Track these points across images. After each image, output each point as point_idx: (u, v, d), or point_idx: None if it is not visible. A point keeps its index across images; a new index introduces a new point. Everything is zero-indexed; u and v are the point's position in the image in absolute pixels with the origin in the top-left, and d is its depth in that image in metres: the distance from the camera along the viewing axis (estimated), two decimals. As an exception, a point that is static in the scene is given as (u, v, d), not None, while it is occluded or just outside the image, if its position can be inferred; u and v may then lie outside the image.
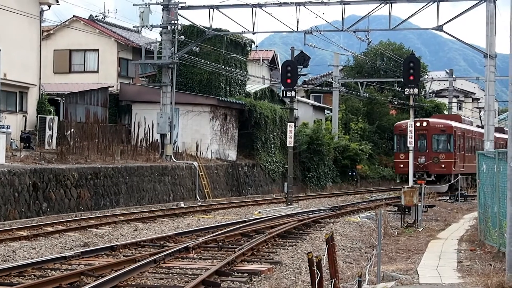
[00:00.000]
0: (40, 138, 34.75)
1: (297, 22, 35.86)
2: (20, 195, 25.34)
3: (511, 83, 13.75)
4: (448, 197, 40.53)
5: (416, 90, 29.90)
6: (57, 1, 37.88)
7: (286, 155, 39.79)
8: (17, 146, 33.00)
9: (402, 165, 43.10)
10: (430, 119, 45.96)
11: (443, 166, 43.13)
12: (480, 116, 67.46)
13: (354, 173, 55.96)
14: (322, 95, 67.36)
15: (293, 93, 35.79)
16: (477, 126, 58.62)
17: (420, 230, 24.59)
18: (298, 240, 20.80)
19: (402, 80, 36.49)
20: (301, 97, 60.88)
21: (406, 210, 26.43)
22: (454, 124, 45.25)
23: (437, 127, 44.19)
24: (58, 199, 27.27)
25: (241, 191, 42.84)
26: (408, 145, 31.29)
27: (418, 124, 41.33)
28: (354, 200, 40.69)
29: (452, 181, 43.75)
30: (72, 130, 36.03)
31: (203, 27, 39.95)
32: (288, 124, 36.34)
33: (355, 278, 12.93)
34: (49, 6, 37.78)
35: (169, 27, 38.73)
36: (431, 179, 42.71)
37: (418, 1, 35.28)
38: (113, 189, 31.03)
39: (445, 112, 64.93)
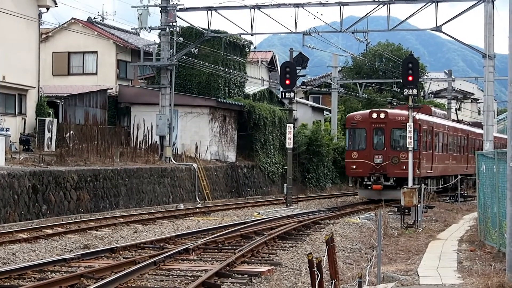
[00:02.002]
0: (39, 141, 34.73)
1: (296, 23, 35.87)
2: (20, 198, 25.32)
3: (510, 83, 13.74)
4: (447, 198, 40.44)
5: (415, 91, 30.00)
6: (56, 4, 37.87)
7: (286, 156, 39.78)
8: (16, 149, 32.98)
9: (354, 166, 36.36)
10: (388, 110, 38.65)
11: (404, 167, 34.11)
12: (456, 109, 63.51)
13: None
14: (321, 96, 67.34)
15: (292, 94, 35.80)
16: (454, 120, 52.55)
17: (420, 230, 24.59)
18: (298, 241, 20.80)
19: (401, 81, 36.47)
20: (300, 98, 60.89)
21: (406, 210, 26.43)
22: (419, 116, 36.60)
23: (397, 120, 36.24)
24: (58, 201, 27.25)
25: (241, 193, 42.82)
26: (408, 146, 30.93)
27: (374, 115, 36.38)
28: (354, 200, 40.67)
29: (418, 186, 37.40)
30: (71, 132, 36.00)
31: (202, 28, 39.95)
32: (287, 125, 36.34)
33: (355, 279, 12.93)
34: (48, 9, 37.77)
35: (167, 29, 38.73)
36: (389, 183, 35.52)
37: (416, 2, 35.29)
38: (112, 191, 31.02)
39: (445, 113, 64.08)
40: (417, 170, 35.47)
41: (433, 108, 44.22)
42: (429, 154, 38.66)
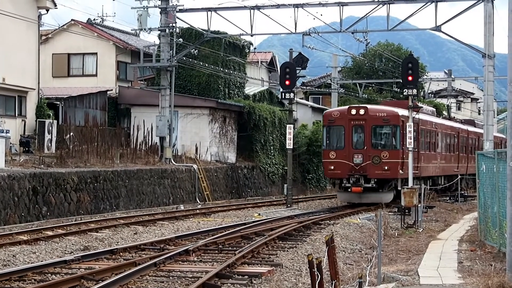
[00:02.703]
0: (40, 142, 34.74)
1: (295, 23, 35.86)
2: (20, 200, 25.32)
3: (510, 83, 13.74)
4: (448, 198, 40.41)
5: (415, 91, 29.95)
6: (55, 5, 37.89)
7: (286, 157, 39.77)
8: (16, 151, 32.98)
9: (333, 167, 33.65)
10: (369, 106, 35.65)
11: (386, 168, 32.70)
12: (448, 106, 61.18)
13: None
14: (321, 96, 67.34)
15: (292, 94, 35.78)
16: (444, 117, 50.14)
17: (420, 231, 24.58)
18: (298, 242, 20.80)
19: (401, 80, 36.37)
20: (300, 98, 60.88)
21: (406, 211, 26.42)
22: (402, 112, 34.11)
23: (378, 116, 33.72)
24: (58, 203, 27.25)
25: (241, 194, 42.83)
26: (408, 146, 30.63)
27: (353, 112, 33.70)
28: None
29: (399, 188, 32.94)
30: (71, 134, 36.00)
31: (201, 29, 39.95)
32: (287, 126, 36.33)
33: (356, 279, 12.92)
34: (47, 10, 37.79)
35: (167, 30, 38.73)
36: (370, 185, 32.97)
37: (416, 2, 35.28)
38: (112, 193, 31.02)
39: (445, 113, 63.51)
40: (400, 171, 33.07)
41: (419, 104, 40.47)
42: (414, 154, 34.89)
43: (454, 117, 58.02)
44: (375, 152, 33.21)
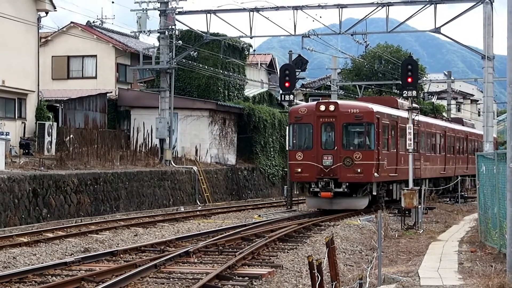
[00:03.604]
0: (39, 145, 34.76)
1: (295, 26, 35.86)
2: (20, 202, 25.33)
3: (509, 84, 13.76)
4: (448, 199, 40.39)
5: (414, 92, 29.63)
6: (55, 8, 37.91)
7: (286, 158, 39.76)
8: (16, 153, 32.99)
9: (300, 169, 30.45)
10: (339, 101, 32.61)
11: (359, 170, 29.58)
12: (433, 103, 57.86)
13: None
14: (320, 98, 67.33)
15: (291, 96, 35.72)
16: (429, 115, 45.92)
17: (420, 232, 24.59)
18: (298, 243, 20.80)
19: (400, 82, 36.17)
20: (299, 100, 60.87)
21: (406, 212, 26.43)
22: (377, 108, 31.39)
23: (350, 113, 30.36)
24: (58, 205, 27.26)
25: (241, 195, 42.83)
26: (408, 148, 29.88)
27: (322, 108, 30.39)
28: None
29: (374, 193, 30.59)
30: (71, 136, 36.02)
31: (201, 32, 39.97)
32: (287, 127, 36.29)
33: (356, 280, 12.93)
34: (47, 13, 37.81)
35: (166, 32, 38.75)
36: (341, 189, 29.70)
37: (415, 4, 35.30)
38: (113, 195, 31.03)
39: (444, 114, 63.00)
40: (375, 174, 30.12)
41: (400, 100, 37.15)
42: (392, 154, 32.62)
43: (440, 115, 54.32)
44: (346, 153, 29.96)
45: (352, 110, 30.46)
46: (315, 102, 32.05)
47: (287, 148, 32.61)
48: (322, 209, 31.02)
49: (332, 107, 30.40)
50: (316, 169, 29.97)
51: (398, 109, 35.28)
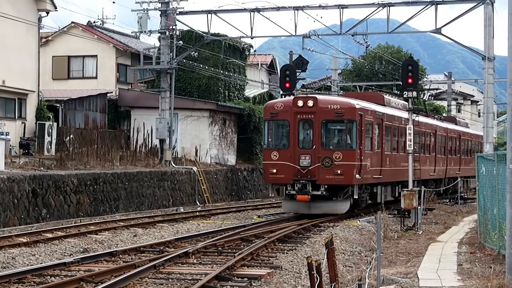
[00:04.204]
0: (39, 145, 34.76)
1: (295, 26, 35.88)
2: (20, 202, 25.33)
3: (509, 85, 13.75)
4: (448, 200, 40.37)
5: (415, 93, 29.22)
6: (55, 8, 37.93)
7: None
8: (16, 153, 33.00)
9: (275, 170, 27.97)
10: (319, 97, 29.38)
11: (339, 172, 27.17)
12: (424, 101, 52.23)
13: None
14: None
15: (292, 97, 35.73)
16: (424, 114, 41.29)
17: (420, 233, 24.58)
18: (298, 244, 20.79)
19: (401, 83, 35.82)
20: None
21: (406, 213, 26.41)
22: (360, 104, 29.05)
23: (330, 109, 27.92)
24: (58, 205, 27.25)
25: (241, 196, 42.83)
26: (408, 149, 29.05)
27: (299, 103, 28.03)
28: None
29: (355, 196, 28.26)
30: (71, 136, 36.03)
31: (202, 32, 39.97)
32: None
33: (355, 281, 12.91)
34: (47, 13, 37.82)
35: (167, 33, 38.76)
36: (319, 192, 27.37)
37: (416, 4, 35.29)
38: (112, 195, 31.02)
39: (444, 115, 62.31)
40: (357, 176, 27.75)
41: (386, 96, 34.92)
42: (376, 155, 30.39)
43: (433, 114, 50.12)
44: (325, 153, 27.56)
45: (332, 106, 27.99)
46: (292, 97, 29.49)
47: (263, 147, 30.31)
48: (299, 214, 28.67)
49: (310, 103, 27.89)
50: (293, 170, 27.65)
51: (385, 105, 33.22)
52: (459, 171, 45.37)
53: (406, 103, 36.60)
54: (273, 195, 29.95)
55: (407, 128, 29.15)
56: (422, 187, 34.08)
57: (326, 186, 27.41)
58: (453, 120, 49.58)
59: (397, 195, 32.83)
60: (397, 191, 33.08)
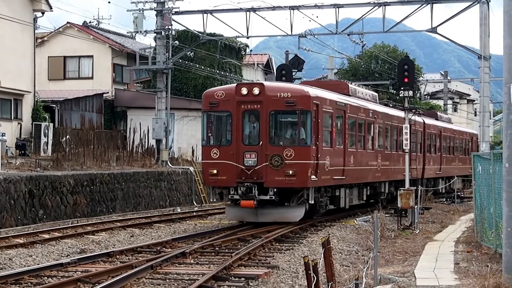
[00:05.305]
0: (36, 145, 34.74)
1: (291, 26, 35.92)
2: (16, 203, 25.29)
3: (505, 84, 13.76)
4: (444, 199, 40.40)
5: (411, 92, 28.61)
6: (51, 8, 37.89)
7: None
8: (12, 154, 32.97)
9: (215, 171, 23.67)
10: (266, 83, 24.78)
11: (290, 172, 22.93)
12: (400, 94, 52.30)
13: None
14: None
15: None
16: (387, 105, 38.65)
17: (416, 232, 24.60)
18: (295, 243, 20.79)
19: (397, 82, 35.12)
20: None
21: (403, 212, 26.42)
22: (316, 92, 24.58)
23: (279, 98, 23.40)
24: (54, 206, 27.22)
25: (238, 196, 42.74)
26: (404, 148, 27.59)
27: (243, 91, 23.59)
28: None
29: (311, 201, 23.89)
30: (67, 136, 36.02)
31: (197, 32, 39.98)
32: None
33: (352, 281, 12.93)
34: (43, 13, 37.80)
35: (163, 33, 38.76)
36: (267, 197, 23.15)
37: (411, 3, 35.36)
38: (109, 195, 30.99)
39: (373, 93, 54.39)
40: (312, 177, 23.51)
41: (352, 85, 30.53)
42: (337, 152, 26.06)
43: (410, 107, 43.95)
44: (274, 150, 23.28)
45: (282, 94, 23.47)
46: (235, 85, 24.88)
47: (202, 143, 25.43)
48: (245, 222, 24.82)
49: (256, 90, 23.47)
50: (236, 171, 23.43)
51: (349, 95, 28.80)
52: (440, 171, 41.93)
53: (376, 94, 34.31)
54: (214, 200, 26.37)
55: (404, 128, 27.98)
56: (392, 189, 32.59)
57: (275, 189, 23.22)
58: (433, 115, 45.48)
59: (365, 198, 29.85)
60: (365, 194, 29.76)
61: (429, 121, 40.33)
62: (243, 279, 14.90)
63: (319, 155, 24.02)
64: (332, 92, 26.75)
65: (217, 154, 23.83)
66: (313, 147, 23.69)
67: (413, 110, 34.02)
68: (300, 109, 23.37)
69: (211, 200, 26.80)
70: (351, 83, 31.92)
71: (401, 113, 33.94)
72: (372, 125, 30.12)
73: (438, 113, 47.66)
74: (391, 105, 39.48)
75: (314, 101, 23.86)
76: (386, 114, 32.67)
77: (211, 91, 24.78)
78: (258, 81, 25.18)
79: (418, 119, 37.81)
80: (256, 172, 23.23)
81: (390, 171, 32.21)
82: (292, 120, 23.93)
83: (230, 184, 23.73)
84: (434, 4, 34.26)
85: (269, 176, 23.15)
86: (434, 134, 41.00)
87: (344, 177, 26.42)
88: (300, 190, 23.68)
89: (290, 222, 23.83)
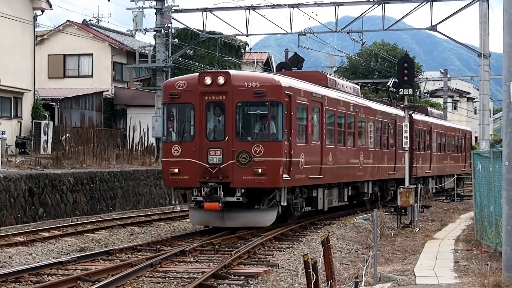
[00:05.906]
0: (36, 144, 34.75)
1: (291, 23, 35.92)
2: (16, 201, 25.29)
3: (505, 82, 13.76)
4: (444, 197, 40.40)
5: (410, 90, 28.39)
6: (51, 6, 37.89)
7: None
8: (12, 152, 32.98)
9: (177, 169, 21.38)
10: (232, 72, 22.27)
11: (260, 171, 20.57)
12: (389, 87, 48.67)
13: None
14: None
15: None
16: (388, 103, 37.18)
17: (416, 230, 24.59)
18: (294, 242, 20.77)
19: (397, 80, 34.65)
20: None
21: (402, 210, 26.42)
22: (288, 82, 22.09)
23: (247, 88, 20.95)
24: (54, 204, 27.22)
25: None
26: (404, 146, 27.17)
27: (207, 81, 21.20)
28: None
29: (284, 203, 21.52)
30: (67, 135, 36.03)
31: (197, 30, 39.98)
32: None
33: (352, 279, 12.93)
34: (43, 11, 37.81)
35: (162, 31, 38.74)
36: (235, 199, 20.93)
37: (411, 1, 35.37)
38: (109, 194, 31.00)
39: (355, 86, 54.79)
40: (284, 176, 21.08)
41: (330, 77, 27.76)
42: (314, 149, 23.54)
43: (396, 102, 38.43)
44: (242, 146, 20.89)
45: (250, 84, 20.98)
46: (197, 74, 22.27)
47: (162, 140, 24.21)
48: (211, 227, 22.71)
49: (221, 80, 21.10)
50: (199, 170, 21.16)
51: (328, 87, 26.27)
52: (430, 170, 39.91)
53: (358, 87, 31.76)
54: (177, 202, 24.81)
55: (403, 126, 27.43)
56: (376, 189, 30.58)
57: (243, 190, 20.93)
58: (424, 110, 42.88)
59: (346, 199, 27.65)
60: (346, 194, 27.50)
61: (418, 116, 36.90)
62: (242, 277, 14.89)
63: (292, 152, 21.56)
64: (308, 83, 24.23)
65: (178, 151, 21.49)
66: (285, 142, 21.27)
67: (398, 104, 32.58)
68: (270, 100, 20.84)
69: (173, 202, 25.15)
70: (330, 74, 29.33)
71: (385, 107, 33.42)
72: (354, 120, 27.73)
73: (429, 109, 45.59)
74: (388, 103, 38.04)
75: (286, 92, 21.39)
76: (369, 108, 30.17)
77: (172, 81, 22.59)
78: (224, 70, 22.62)
79: (403, 113, 33.86)
80: (221, 171, 20.91)
81: (374, 169, 29.99)
82: (262, 113, 21.38)
83: (193, 185, 21.55)
84: (433, 2, 34.28)
85: (236, 175, 20.82)
86: (423, 130, 38.88)
87: (321, 176, 24.02)
88: (271, 190, 21.42)
89: (260, 226, 21.75)
